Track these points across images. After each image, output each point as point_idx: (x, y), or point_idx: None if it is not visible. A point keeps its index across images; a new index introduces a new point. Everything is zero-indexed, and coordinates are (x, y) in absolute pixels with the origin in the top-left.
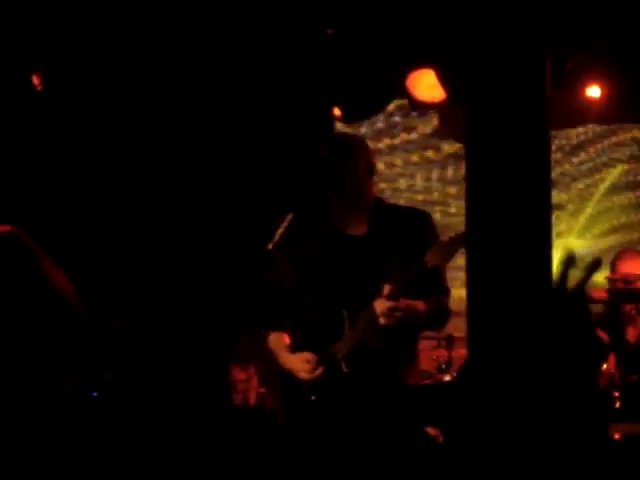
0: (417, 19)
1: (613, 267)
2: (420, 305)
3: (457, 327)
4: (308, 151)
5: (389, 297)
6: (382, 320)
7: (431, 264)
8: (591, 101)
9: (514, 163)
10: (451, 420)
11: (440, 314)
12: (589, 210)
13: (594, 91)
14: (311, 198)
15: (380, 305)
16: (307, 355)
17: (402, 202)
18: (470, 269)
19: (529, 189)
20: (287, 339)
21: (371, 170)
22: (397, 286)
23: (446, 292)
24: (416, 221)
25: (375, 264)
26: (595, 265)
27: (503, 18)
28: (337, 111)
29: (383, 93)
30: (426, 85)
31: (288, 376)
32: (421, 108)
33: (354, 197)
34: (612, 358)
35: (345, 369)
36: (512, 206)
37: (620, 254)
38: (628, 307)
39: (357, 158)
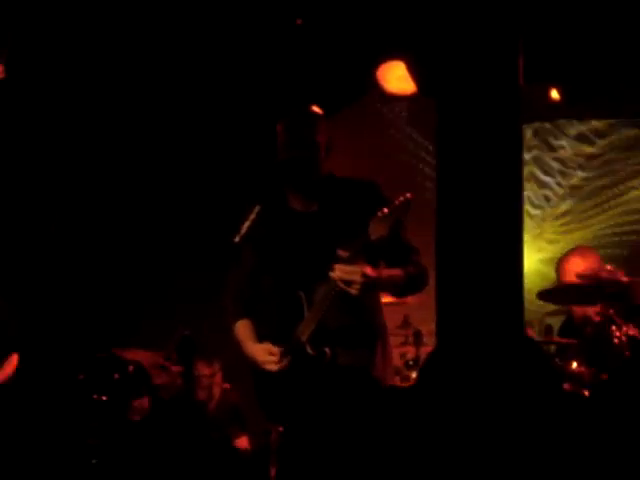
0: (387, 11)
1: (561, 266)
2: (392, 271)
3: (425, 322)
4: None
5: (344, 262)
6: (342, 286)
7: (375, 237)
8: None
9: (485, 155)
10: (415, 417)
11: (417, 276)
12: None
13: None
14: (271, 182)
15: (336, 271)
16: (270, 347)
17: None
18: (439, 264)
19: (500, 182)
20: (252, 327)
21: (329, 148)
22: (350, 250)
23: (414, 251)
24: (363, 192)
25: (326, 240)
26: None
27: (475, 9)
28: (315, 108)
29: (358, 84)
30: (396, 77)
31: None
32: (391, 100)
33: (309, 176)
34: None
35: (310, 351)
36: (483, 199)
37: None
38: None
39: (316, 135)
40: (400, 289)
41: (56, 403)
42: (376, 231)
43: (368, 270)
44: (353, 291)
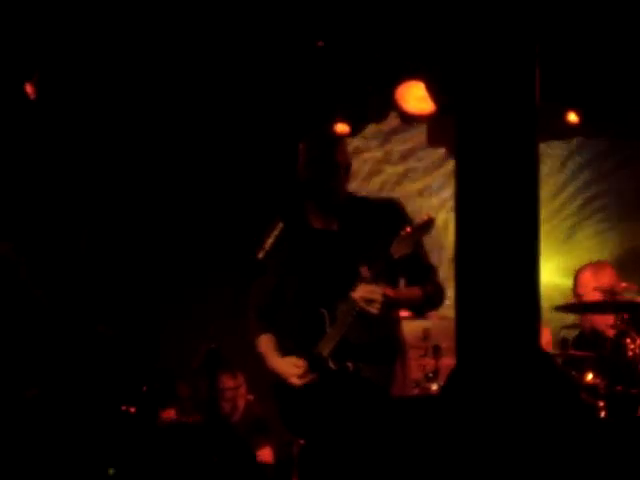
0: (407, 32)
1: (579, 280)
2: (411, 290)
3: (445, 336)
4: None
5: (365, 281)
6: (363, 305)
7: (397, 256)
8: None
9: (503, 175)
10: (437, 433)
11: (434, 295)
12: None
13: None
14: (292, 200)
15: (358, 291)
16: (296, 360)
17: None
18: (459, 279)
19: (518, 200)
20: (275, 341)
21: (348, 168)
22: (372, 270)
23: (432, 269)
24: (383, 211)
25: (347, 259)
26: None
27: (493, 29)
28: (342, 127)
29: (382, 104)
30: (415, 97)
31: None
32: (411, 120)
33: (329, 197)
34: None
35: (332, 367)
36: (501, 217)
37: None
38: (603, 318)
39: (336, 156)
40: (418, 308)
41: (84, 414)
42: (399, 250)
43: (388, 291)
44: (374, 310)
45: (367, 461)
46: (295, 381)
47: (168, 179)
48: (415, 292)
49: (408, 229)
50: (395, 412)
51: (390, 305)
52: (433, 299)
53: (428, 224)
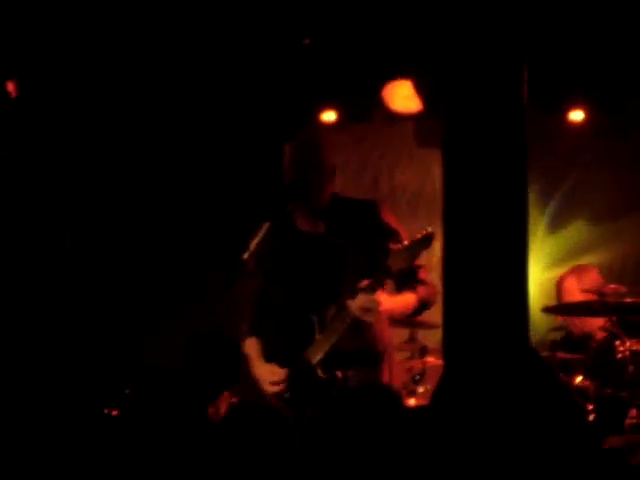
0: (394, 30)
1: (562, 286)
2: (405, 297)
3: (432, 338)
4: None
5: (365, 291)
6: (361, 315)
7: (395, 269)
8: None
9: (492, 175)
10: (429, 441)
11: (427, 297)
12: None
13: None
14: (278, 202)
15: (357, 301)
16: (275, 368)
17: None
18: (447, 282)
19: (506, 199)
20: (260, 346)
21: (334, 169)
22: (370, 282)
23: (421, 269)
24: (368, 212)
25: (334, 262)
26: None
27: (480, 28)
28: (331, 114)
29: (364, 103)
30: (402, 96)
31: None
32: (397, 119)
33: (315, 198)
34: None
35: (321, 374)
36: (489, 217)
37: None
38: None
39: (322, 158)
40: (411, 312)
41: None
42: (397, 263)
43: (385, 299)
44: (370, 319)
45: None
46: (268, 387)
47: (154, 178)
48: (409, 298)
49: (406, 242)
50: (386, 425)
51: (386, 312)
52: (427, 300)
53: (428, 238)
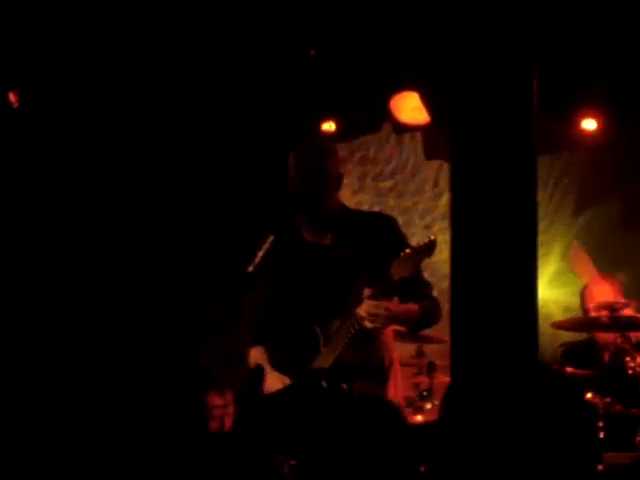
0: (402, 42)
1: (585, 294)
2: (409, 306)
3: (439, 354)
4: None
5: (370, 298)
6: (367, 323)
7: (397, 277)
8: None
9: (499, 185)
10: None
11: (431, 310)
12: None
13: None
14: (283, 212)
15: (363, 307)
16: (283, 377)
17: None
18: (454, 296)
19: (515, 212)
20: (266, 355)
21: (340, 179)
22: (374, 289)
23: (428, 285)
24: (378, 226)
25: (341, 274)
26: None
27: (488, 41)
28: (331, 125)
29: (376, 114)
30: (410, 108)
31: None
32: (405, 130)
33: (321, 207)
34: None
35: (326, 386)
36: (498, 230)
37: (591, 280)
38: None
39: (328, 167)
40: (415, 323)
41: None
42: (399, 272)
43: (391, 305)
44: (377, 325)
45: None
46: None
47: (160, 189)
48: (412, 308)
49: (409, 250)
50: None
51: (392, 319)
52: (430, 314)
53: (430, 246)
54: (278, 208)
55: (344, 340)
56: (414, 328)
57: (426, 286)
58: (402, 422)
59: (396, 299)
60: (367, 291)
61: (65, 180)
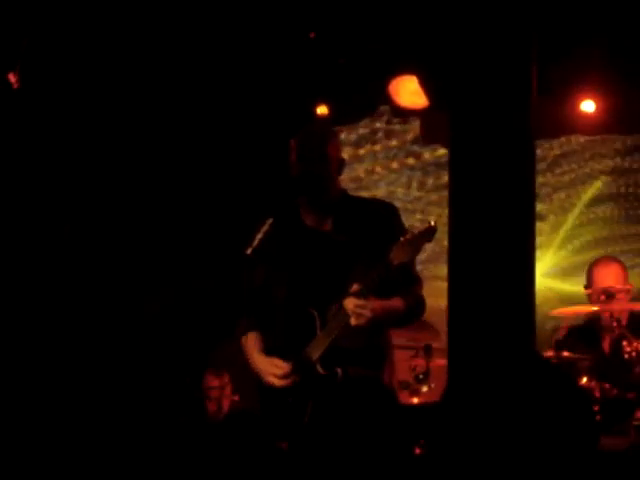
0: (400, 25)
1: (590, 277)
2: (393, 302)
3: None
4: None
5: (357, 295)
6: (352, 320)
7: (397, 262)
8: (582, 113)
9: (498, 170)
10: (437, 438)
11: (415, 307)
12: (570, 222)
13: (588, 105)
14: (284, 197)
15: (349, 304)
16: (278, 361)
17: None
18: (451, 279)
19: (513, 197)
20: (261, 340)
21: (341, 165)
22: (364, 285)
23: (417, 281)
24: (381, 214)
25: (340, 260)
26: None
27: (487, 25)
28: (323, 109)
29: (371, 97)
30: (408, 91)
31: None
32: (403, 114)
33: (322, 191)
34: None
35: (321, 371)
36: (495, 214)
37: (596, 263)
38: (606, 318)
39: (329, 151)
40: (400, 321)
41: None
42: (398, 257)
43: (376, 305)
44: (361, 323)
45: (353, 465)
46: (272, 380)
47: (157, 173)
48: (397, 304)
49: (409, 235)
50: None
51: (376, 321)
52: (414, 311)
53: (430, 231)
54: (278, 192)
55: (338, 327)
56: (395, 326)
57: (415, 281)
58: (396, 406)
59: (379, 302)
60: (355, 286)
61: (61, 167)
